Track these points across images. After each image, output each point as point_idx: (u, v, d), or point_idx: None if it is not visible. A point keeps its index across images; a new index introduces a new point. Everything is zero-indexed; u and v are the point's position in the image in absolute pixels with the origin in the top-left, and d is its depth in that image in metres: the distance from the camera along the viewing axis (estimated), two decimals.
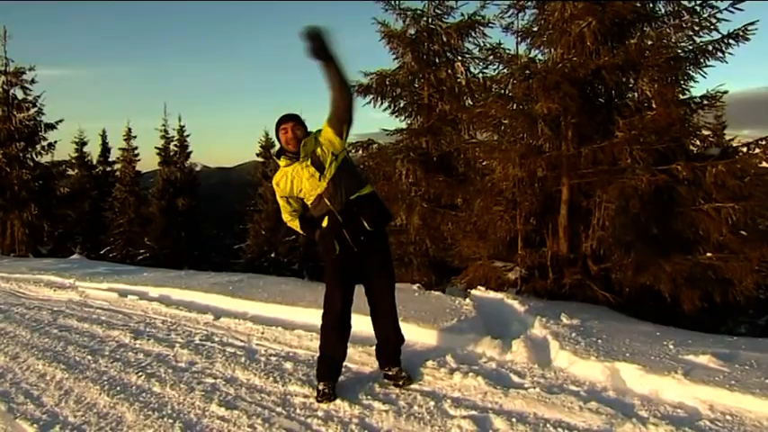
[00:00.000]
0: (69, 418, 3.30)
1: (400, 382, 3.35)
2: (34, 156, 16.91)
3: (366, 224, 3.20)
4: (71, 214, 19.09)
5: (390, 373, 3.42)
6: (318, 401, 3.20)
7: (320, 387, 3.27)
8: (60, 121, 17.23)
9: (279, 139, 3.26)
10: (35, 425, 3.24)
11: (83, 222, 22.21)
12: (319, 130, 3.23)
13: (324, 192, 3.19)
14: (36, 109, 16.70)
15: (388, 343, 3.45)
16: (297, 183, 3.25)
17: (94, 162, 25.51)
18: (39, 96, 16.72)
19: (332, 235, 3.21)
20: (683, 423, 2.68)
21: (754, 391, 2.82)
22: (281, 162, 3.29)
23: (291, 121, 3.22)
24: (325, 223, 3.25)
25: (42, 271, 9.30)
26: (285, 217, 3.48)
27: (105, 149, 25.80)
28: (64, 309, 6.44)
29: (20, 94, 16.62)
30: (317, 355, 3.41)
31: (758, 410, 2.73)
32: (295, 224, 3.46)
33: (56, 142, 17.24)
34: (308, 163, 3.18)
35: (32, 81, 16.68)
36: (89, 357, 4.44)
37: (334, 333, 3.32)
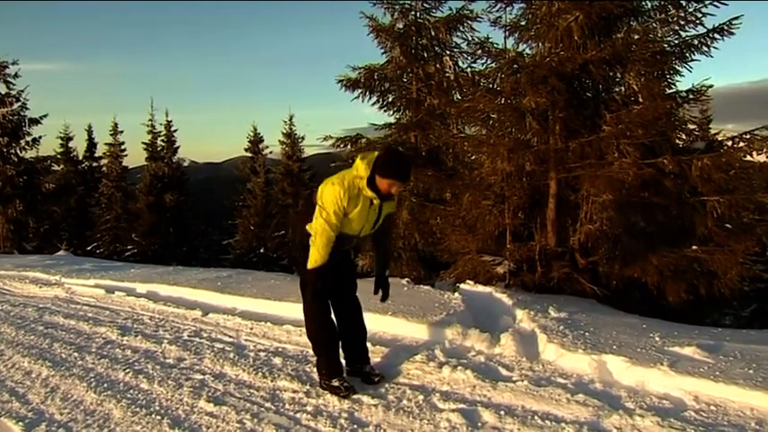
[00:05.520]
0: (56, 416, 3.28)
1: (376, 379, 3.37)
2: (18, 151, 16.75)
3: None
4: (57, 210, 18.93)
5: (364, 370, 3.44)
6: (344, 397, 3.18)
7: (336, 383, 3.25)
8: (45, 116, 17.07)
9: (379, 175, 3.13)
10: (20, 423, 3.21)
11: (69, 218, 21.96)
12: (393, 201, 3.40)
13: (358, 233, 3.33)
14: (20, 104, 16.51)
15: (359, 339, 3.50)
16: (355, 205, 3.20)
17: (80, 157, 25.16)
18: (22, 91, 16.54)
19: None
20: (669, 414, 2.72)
21: (737, 381, 2.86)
22: (365, 190, 3.18)
23: (404, 183, 3.35)
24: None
25: (28, 267, 9.19)
26: (330, 227, 3.17)
27: (91, 145, 25.44)
28: (50, 306, 6.37)
29: (3, 89, 16.44)
30: (315, 353, 3.43)
31: (741, 400, 2.78)
32: (331, 237, 3.20)
33: (40, 137, 17.12)
34: (376, 208, 3.27)
35: (16, 75, 16.49)
36: (75, 354, 4.41)
37: (328, 318, 3.36)
